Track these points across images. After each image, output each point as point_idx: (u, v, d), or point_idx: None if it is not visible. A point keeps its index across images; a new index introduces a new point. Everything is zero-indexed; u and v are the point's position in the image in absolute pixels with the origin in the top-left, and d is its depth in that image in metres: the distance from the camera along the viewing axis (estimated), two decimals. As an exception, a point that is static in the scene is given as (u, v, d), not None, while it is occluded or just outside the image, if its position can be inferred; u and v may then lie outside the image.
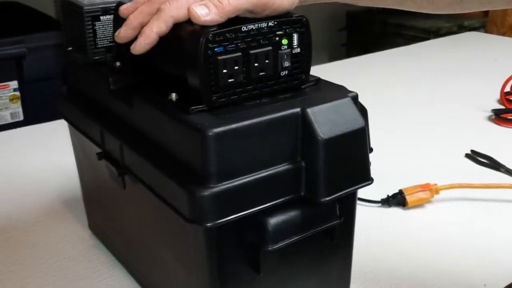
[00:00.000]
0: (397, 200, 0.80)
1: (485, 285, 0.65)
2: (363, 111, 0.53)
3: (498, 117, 1.09)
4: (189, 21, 0.49)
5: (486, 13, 2.45)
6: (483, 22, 2.46)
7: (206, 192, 0.44)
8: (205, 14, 0.47)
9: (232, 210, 0.46)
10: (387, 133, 1.03)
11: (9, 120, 1.52)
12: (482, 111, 1.12)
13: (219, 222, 0.45)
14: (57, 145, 0.97)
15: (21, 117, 1.53)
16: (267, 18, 0.49)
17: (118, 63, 0.58)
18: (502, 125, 1.07)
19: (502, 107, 1.13)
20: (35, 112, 1.47)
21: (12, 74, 1.49)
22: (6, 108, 1.50)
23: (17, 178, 0.90)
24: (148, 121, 0.52)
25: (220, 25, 0.47)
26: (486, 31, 2.35)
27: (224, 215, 0.45)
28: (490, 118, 1.10)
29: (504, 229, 0.76)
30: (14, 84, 1.50)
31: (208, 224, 0.45)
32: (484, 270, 0.68)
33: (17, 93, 1.50)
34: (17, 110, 1.52)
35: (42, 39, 1.50)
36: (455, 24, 2.40)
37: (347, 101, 0.50)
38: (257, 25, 0.48)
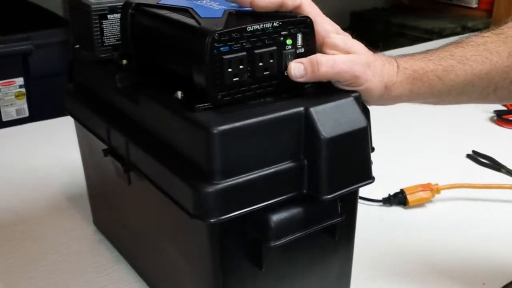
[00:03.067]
0: (398, 199, 0.80)
1: (484, 283, 0.66)
2: (365, 111, 0.54)
3: (500, 118, 1.09)
4: (195, 21, 0.50)
5: (489, 14, 2.45)
6: (487, 23, 2.45)
7: (211, 189, 0.45)
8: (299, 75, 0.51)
9: (235, 207, 0.46)
10: (389, 133, 1.03)
11: (15, 117, 1.52)
12: (484, 112, 1.13)
13: (223, 218, 0.46)
14: (62, 141, 0.98)
15: (27, 114, 1.53)
16: (272, 18, 0.50)
17: (124, 61, 0.59)
18: (504, 126, 1.08)
19: (504, 108, 1.14)
20: (40, 109, 1.48)
21: (18, 71, 1.49)
22: (11, 104, 1.50)
23: (22, 174, 0.90)
24: (153, 118, 0.53)
25: (226, 25, 0.48)
26: (490, 32, 2.35)
27: (227, 211, 0.46)
28: (492, 119, 1.11)
29: (504, 229, 0.76)
30: (20, 80, 1.50)
31: (212, 220, 0.46)
32: (483, 269, 0.68)
33: (23, 90, 1.51)
34: (22, 106, 1.52)
35: (48, 36, 1.50)
36: (459, 25, 2.39)
37: (350, 100, 0.51)
38: (262, 25, 0.49)
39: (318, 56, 0.51)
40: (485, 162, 0.93)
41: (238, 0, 0.53)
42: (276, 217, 0.48)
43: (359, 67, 0.52)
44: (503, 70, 0.57)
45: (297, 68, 0.51)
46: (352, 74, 0.52)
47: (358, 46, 0.54)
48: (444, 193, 0.81)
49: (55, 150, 0.98)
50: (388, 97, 0.56)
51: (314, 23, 0.52)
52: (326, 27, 0.54)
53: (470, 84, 0.57)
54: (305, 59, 0.51)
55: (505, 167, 0.91)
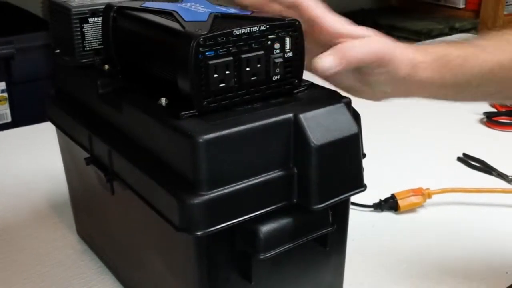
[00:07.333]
0: (389, 204, 0.79)
1: (478, 291, 0.65)
2: (356, 117, 0.52)
3: (490, 120, 1.09)
4: (179, 24, 0.48)
5: (477, 14, 2.46)
6: (475, 24, 2.46)
7: (197, 200, 0.43)
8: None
9: (223, 218, 0.45)
10: (379, 137, 1.02)
11: (-3, 122, 1.50)
12: (474, 114, 1.12)
13: (210, 231, 0.44)
14: (46, 147, 0.95)
15: (9, 119, 1.51)
16: (259, 22, 0.48)
17: (107, 66, 0.57)
18: (494, 128, 1.07)
19: (494, 110, 1.13)
20: (23, 114, 1.45)
21: (0, 75, 1.47)
22: (-6, 109, 1.48)
23: (4, 181, 0.88)
24: (137, 126, 0.51)
25: (211, 29, 0.46)
26: (477, 33, 2.36)
27: (214, 224, 0.44)
28: (482, 121, 1.10)
29: (497, 234, 0.75)
30: (2, 85, 1.47)
31: (198, 233, 0.44)
32: (477, 275, 0.67)
33: (5, 94, 1.48)
34: (5, 111, 1.50)
35: (31, 39, 1.47)
36: (447, 26, 2.40)
37: (340, 106, 0.50)
38: (248, 29, 0.47)
39: (344, 43, 0.50)
40: (476, 165, 0.92)
41: None
42: (265, 228, 0.46)
43: (390, 45, 0.52)
44: None
45: (326, 60, 0.49)
46: (386, 51, 0.51)
47: (374, 33, 0.54)
48: (435, 198, 0.80)
49: (38, 157, 0.96)
50: (412, 80, 0.54)
51: (325, 22, 0.51)
52: (339, 24, 0.53)
53: (491, 73, 0.56)
54: (330, 50, 0.50)
55: (496, 169, 0.90)
